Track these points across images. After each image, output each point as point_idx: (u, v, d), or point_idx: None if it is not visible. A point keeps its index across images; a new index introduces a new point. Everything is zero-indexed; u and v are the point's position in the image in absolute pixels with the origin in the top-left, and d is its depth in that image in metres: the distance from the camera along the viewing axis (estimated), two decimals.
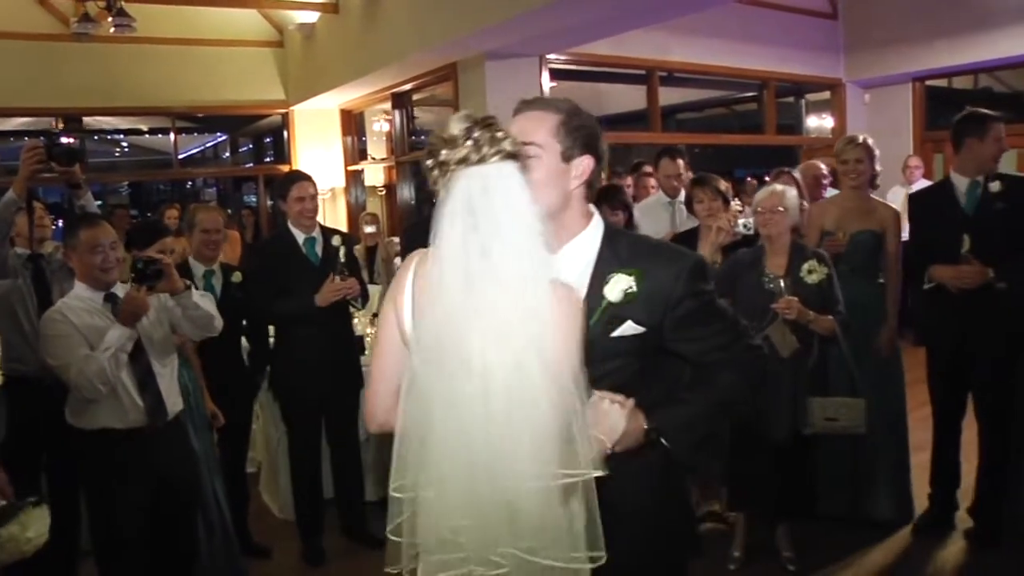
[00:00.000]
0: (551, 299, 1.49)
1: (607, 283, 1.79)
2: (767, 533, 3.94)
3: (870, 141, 4.27)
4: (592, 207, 1.88)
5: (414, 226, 5.79)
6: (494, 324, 1.46)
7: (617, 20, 6.91)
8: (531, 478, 1.43)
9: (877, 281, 4.26)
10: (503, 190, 1.51)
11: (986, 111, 3.97)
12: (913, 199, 4.37)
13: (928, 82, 9.94)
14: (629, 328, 1.79)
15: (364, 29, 8.35)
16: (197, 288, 3.57)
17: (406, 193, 9.79)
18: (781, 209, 3.71)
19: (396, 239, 7.55)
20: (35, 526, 2.79)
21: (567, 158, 1.78)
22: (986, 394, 3.94)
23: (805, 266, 3.69)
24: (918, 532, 4.12)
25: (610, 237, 1.85)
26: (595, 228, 1.85)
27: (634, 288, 1.77)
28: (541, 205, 1.59)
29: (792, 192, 3.80)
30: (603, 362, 1.76)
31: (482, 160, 1.52)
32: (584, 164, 1.80)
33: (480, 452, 1.44)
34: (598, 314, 1.78)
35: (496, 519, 1.46)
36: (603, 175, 1.90)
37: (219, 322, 3.39)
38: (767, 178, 7.25)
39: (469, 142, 1.53)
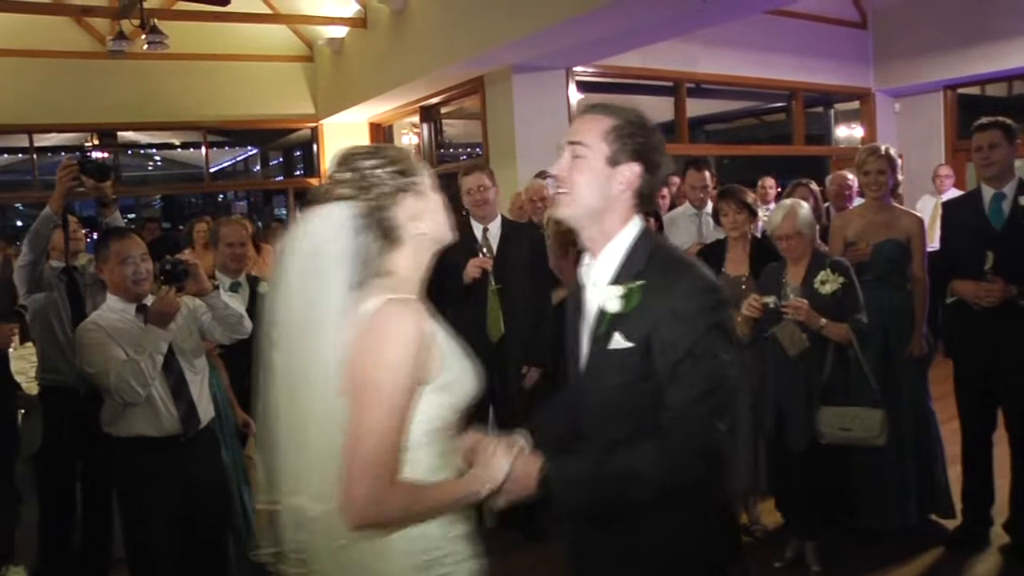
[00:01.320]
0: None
1: (608, 292, 1.78)
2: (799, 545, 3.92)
3: (892, 151, 4.23)
4: (637, 216, 1.84)
5: None
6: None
7: (644, 32, 6.94)
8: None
9: (905, 289, 4.21)
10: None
11: (1006, 120, 3.86)
12: (945, 206, 4.33)
13: (960, 90, 9.84)
14: (618, 342, 1.75)
15: (392, 43, 8.44)
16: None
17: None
18: (798, 234, 3.69)
19: None
20: None
21: (613, 162, 1.78)
22: (1015, 409, 3.87)
23: (819, 277, 3.67)
24: (952, 547, 4.05)
25: (639, 245, 1.81)
26: (627, 234, 1.82)
27: (625, 301, 1.75)
28: (580, 204, 1.80)
29: (804, 210, 3.76)
30: (600, 377, 1.79)
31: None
32: (631, 171, 1.79)
33: None
34: (603, 325, 1.78)
35: None
36: (660, 189, 1.86)
37: (248, 323, 3.41)
38: (769, 187, 7.23)
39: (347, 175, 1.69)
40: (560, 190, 1.84)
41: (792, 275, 3.74)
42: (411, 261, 1.73)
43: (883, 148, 4.24)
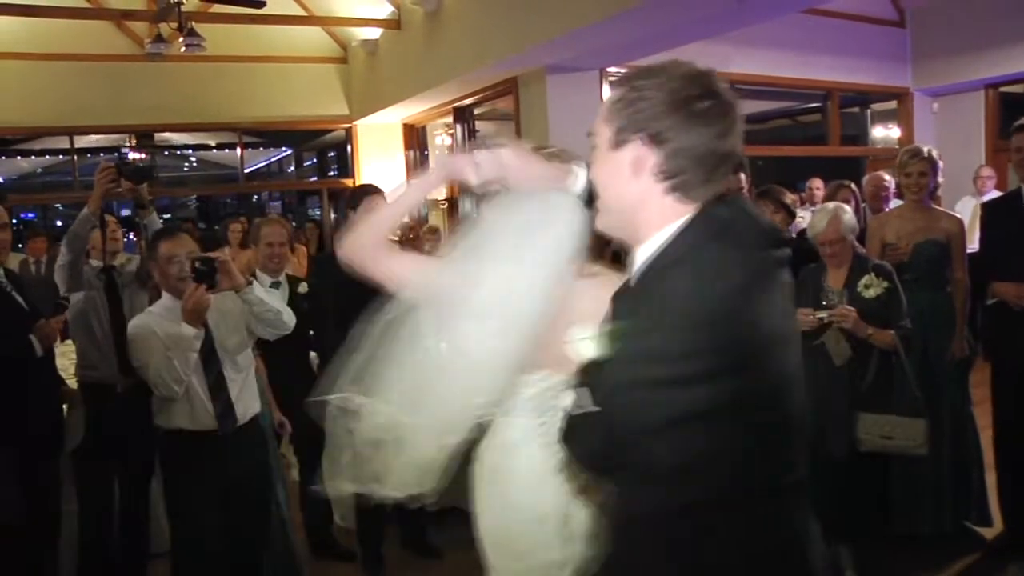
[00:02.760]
0: None
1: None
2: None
3: (934, 153, 4.17)
4: (687, 211, 1.38)
5: None
6: None
7: (679, 33, 6.88)
8: None
9: (944, 291, 4.16)
10: None
11: None
12: (985, 207, 4.27)
13: (1003, 88, 9.64)
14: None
15: (426, 45, 8.47)
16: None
17: (467, 207, 9.85)
18: (841, 240, 3.65)
19: None
20: None
21: (615, 144, 1.39)
22: None
23: (862, 281, 3.61)
24: (991, 554, 3.98)
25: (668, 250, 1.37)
26: (658, 238, 1.39)
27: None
28: (605, 209, 1.48)
29: (848, 214, 3.72)
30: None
31: None
32: (634, 151, 1.37)
33: None
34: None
35: None
36: (707, 157, 1.37)
37: (290, 318, 3.40)
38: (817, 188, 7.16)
39: None
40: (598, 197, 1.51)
41: (833, 280, 3.69)
42: None
43: (925, 150, 4.18)
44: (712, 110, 1.34)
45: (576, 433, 1.39)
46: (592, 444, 1.38)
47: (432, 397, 1.71)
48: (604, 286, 1.55)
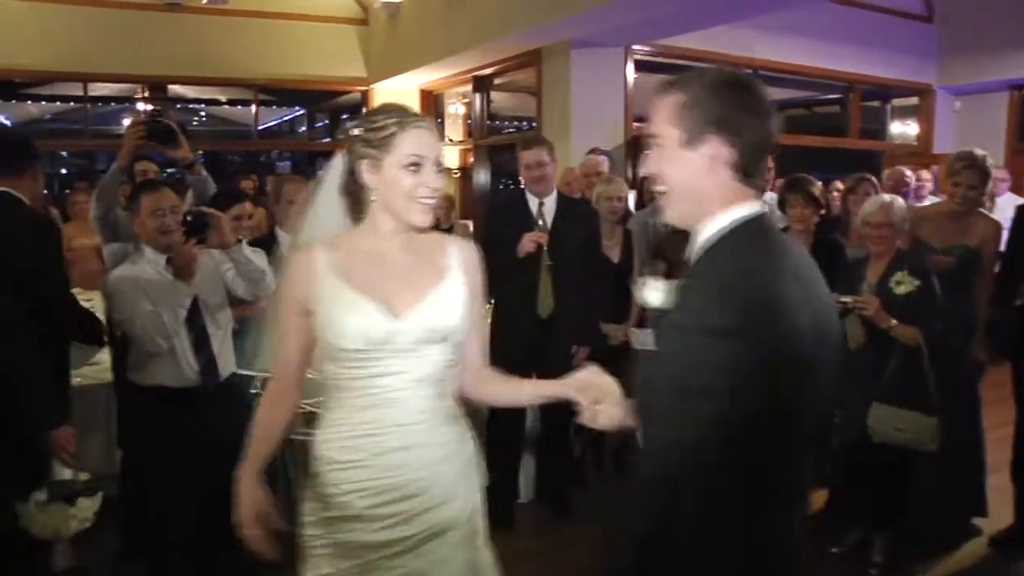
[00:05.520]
0: None
1: (654, 284, 1.66)
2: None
3: (989, 162, 4.10)
4: (749, 194, 1.62)
5: (494, 208, 5.81)
6: None
7: (705, 14, 6.83)
8: None
9: (968, 294, 4.14)
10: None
11: None
12: (1020, 209, 4.22)
13: None
14: (647, 341, 1.64)
15: (450, 11, 8.35)
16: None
17: (482, 176, 9.81)
18: (889, 224, 3.65)
19: (470, 222, 7.56)
20: (90, 509, 2.97)
21: (689, 144, 1.59)
22: None
23: (895, 277, 3.63)
24: (999, 548, 4.06)
25: (729, 234, 1.58)
26: (719, 223, 1.60)
27: (663, 297, 1.63)
28: (677, 201, 1.65)
29: (900, 204, 3.71)
30: (644, 378, 1.65)
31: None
32: (710, 148, 1.57)
33: None
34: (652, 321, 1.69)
35: None
36: (767, 153, 1.63)
37: (271, 280, 3.41)
38: (839, 184, 7.12)
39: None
40: (659, 189, 1.68)
41: (872, 272, 3.73)
42: None
43: (980, 158, 4.07)
44: (763, 105, 1.59)
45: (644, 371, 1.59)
46: (654, 385, 1.56)
47: None
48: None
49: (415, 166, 1.92)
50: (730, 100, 1.57)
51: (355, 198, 2.03)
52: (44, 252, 3.48)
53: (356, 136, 1.97)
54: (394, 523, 1.95)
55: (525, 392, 2.20)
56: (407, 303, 1.96)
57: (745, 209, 1.60)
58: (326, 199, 2.10)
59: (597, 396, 1.81)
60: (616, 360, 3.47)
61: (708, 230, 1.61)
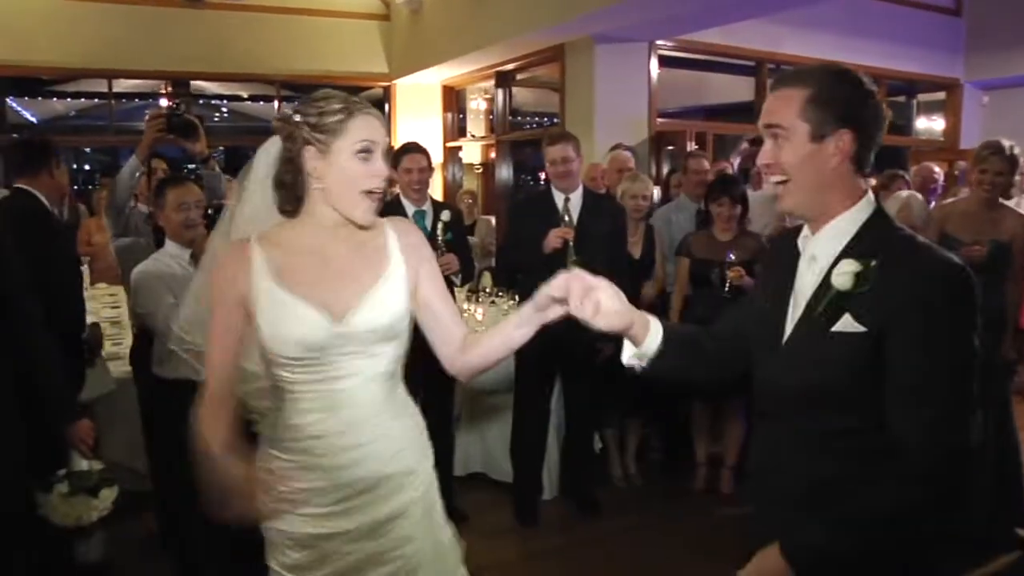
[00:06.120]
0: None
1: (836, 268, 1.62)
2: None
3: (1016, 150, 4.05)
4: (866, 187, 1.70)
5: (519, 204, 5.80)
6: None
7: (729, 9, 6.79)
8: None
9: (998, 290, 4.06)
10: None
11: None
12: None
13: None
14: (848, 324, 1.59)
15: (473, 6, 8.34)
16: None
17: (504, 172, 9.79)
18: (911, 227, 3.60)
19: (492, 218, 7.55)
20: (109, 499, 3.02)
21: (818, 137, 1.64)
22: None
23: None
24: None
25: (871, 225, 1.66)
26: (858, 212, 1.67)
27: (858, 279, 1.59)
28: (800, 191, 1.68)
29: (919, 203, 3.67)
30: (813, 359, 1.65)
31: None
32: (841, 141, 1.63)
33: None
34: (823, 304, 1.63)
35: None
36: (878, 137, 1.68)
37: None
38: (871, 180, 7.06)
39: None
40: (776, 179, 1.71)
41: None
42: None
43: (1008, 148, 4.06)
44: (880, 102, 1.67)
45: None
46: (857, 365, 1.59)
47: None
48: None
49: (366, 152, 1.83)
50: (856, 96, 1.65)
51: (290, 189, 1.91)
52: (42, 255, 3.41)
53: (300, 121, 1.84)
54: (351, 513, 1.91)
55: (513, 330, 1.89)
56: (349, 303, 1.87)
57: (870, 200, 1.69)
58: (257, 190, 1.97)
59: (584, 289, 1.70)
60: None
61: (847, 220, 1.67)
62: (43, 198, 3.57)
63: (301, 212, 1.92)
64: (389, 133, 8.59)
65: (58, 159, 3.66)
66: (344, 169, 1.83)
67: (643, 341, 1.81)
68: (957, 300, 1.55)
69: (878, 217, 1.68)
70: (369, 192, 1.85)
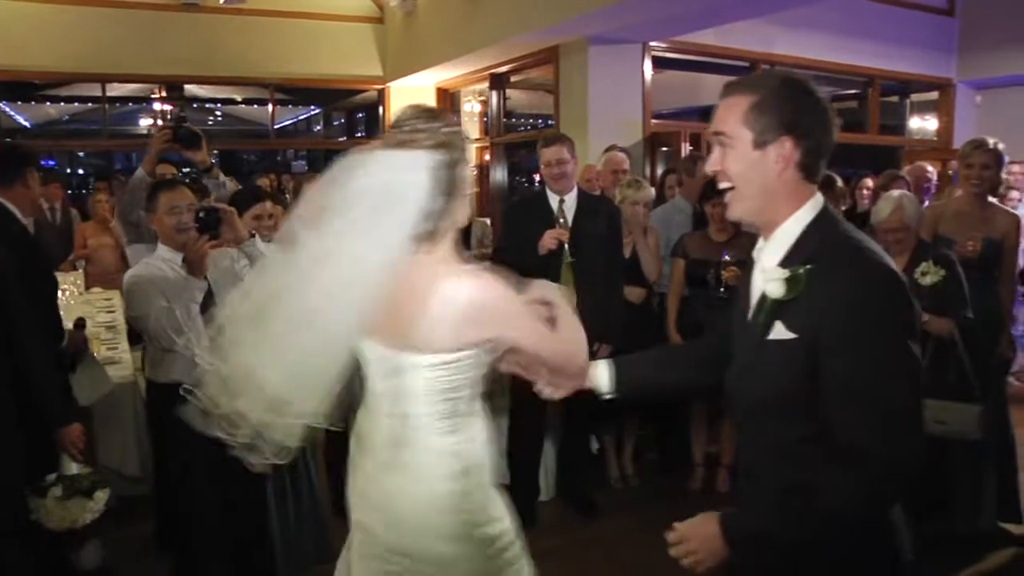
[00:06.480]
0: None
1: (767, 276, 1.64)
2: None
3: (1000, 146, 4.09)
4: (813, 191, 1.70)
5: (514, 206, 5.80)
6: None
7: (723, 10, 6.79)
8: None
9: (992, 289, 4.10)
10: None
11: None
12: None
13: None
14: (779, 331, 1.62)
15: (467, 8, 8.33)
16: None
17: (498, 174, 9.79)
18: (905, 228, 3.62)
19: (487, 220, 7.55)
20: (102, 501, 3.02)
21: (760, 144, 1.64)
22: None
23: (920, 268, 3.60)
24: None
25: (813, 227, 1.66)
26: (801, 215, 1.67)
27: (789, 286, 1.60)
28: (745, 198, 1.70)
29: (912, 202, 3.68)
30: (759, 369, 1.68)
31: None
32: (782, 148, 1.63)
33: None
34: (762, 313, 1.66)
35: None
36: (828, 151, 1.69)
37: None
38: (869, 181, 7.06)
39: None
40: (723, 186, 1.73)
41: (896, 265, 3.66)
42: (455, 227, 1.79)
43: (991, 143, 4.11)
44: (827, 108, 1.66)
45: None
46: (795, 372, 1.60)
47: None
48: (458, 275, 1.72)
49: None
50: (800, 103, 1.64)
51: (440, 216, 1.72)
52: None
53: (456, 132, 1.74)
54: None
55: None
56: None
57: (815, 203, 1.69)
58: (381, 219, 1.66)
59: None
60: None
61: (790, 226, 1.68)
62: (15, 210, 3.42)
63: (436, 247, 1.77)
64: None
65: (32, 169, 3.53)
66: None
67: (597, 384, 2.00)
68: (885, 301, 1.55)
69: (822, 220, 1.67)
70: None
